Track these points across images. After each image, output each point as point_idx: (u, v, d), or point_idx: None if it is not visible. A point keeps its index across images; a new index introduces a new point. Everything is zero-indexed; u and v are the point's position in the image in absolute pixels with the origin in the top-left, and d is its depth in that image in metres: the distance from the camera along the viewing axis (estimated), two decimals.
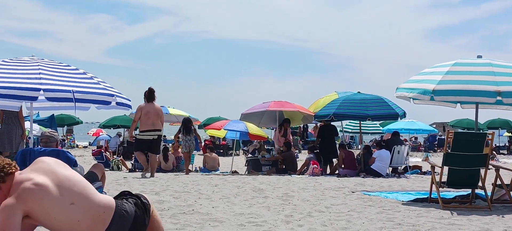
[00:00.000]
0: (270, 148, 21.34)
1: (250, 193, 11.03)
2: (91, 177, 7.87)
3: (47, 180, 3.79)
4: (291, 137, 18.98)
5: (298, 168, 17.04)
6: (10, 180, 3.81)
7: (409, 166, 18.42)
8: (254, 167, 17.30)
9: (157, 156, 15.98)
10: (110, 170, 17.48)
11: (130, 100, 8.50)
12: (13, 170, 3.84)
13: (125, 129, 34.27)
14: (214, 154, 19.89)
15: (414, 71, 11.07)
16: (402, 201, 10.02)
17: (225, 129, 18.53)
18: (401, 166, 17.52)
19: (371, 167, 15.84)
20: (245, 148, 26.05)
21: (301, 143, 34.46)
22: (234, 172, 17.67)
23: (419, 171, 18.07)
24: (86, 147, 38.21)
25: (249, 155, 19.19)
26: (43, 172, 3.84)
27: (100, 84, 8.02)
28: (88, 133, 42.35)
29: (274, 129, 19.68)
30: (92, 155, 22.66)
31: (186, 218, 7.95)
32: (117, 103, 8.08)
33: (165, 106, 21.25)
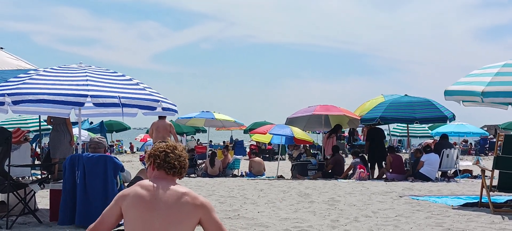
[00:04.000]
0: (316, 152, 21.19)
1: (295, 198, 10.98)
2: (138, 181, 7.96)
3: (150, 208, 3.62)
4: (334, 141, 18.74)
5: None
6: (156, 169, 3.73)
7: (459, 170, 18.01)
8: (300, 172, 17.21)
9: (204, 161, 16.57)
10: None
11: (175, 106, 8.54)
12: (161, 167, 3.72)
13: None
14: (259, 158, 19.88)
15: (464, 72, 10.82)
16: (452, 205, 9.82)
17: (270, 133, 18.48)
18: (450, 170, 17.16)
19: (420, 171, 15.56)
20: (290, 152, 25.99)
21: (347, 147, 34.14)
22: (280, 177, 17.62)
23: (469, 175, 17.66)
24: (134, 152, 38.73)
25: (294, 160, 19.08)
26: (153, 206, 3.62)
27: (145, 90, 8.09)
28: (135, 139, 42.93)
29: (321, 133, 19.51)
30: (140, 160, 22.94)
31: (232, 223, 7.96)
32: (163, 109, 8.13)
33: (211, 112, 21.35)
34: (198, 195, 3.71)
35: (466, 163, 24.90)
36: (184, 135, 36.43)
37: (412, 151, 18.54)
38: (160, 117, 14.86)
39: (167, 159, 3.71)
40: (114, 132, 40.96)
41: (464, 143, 38.42)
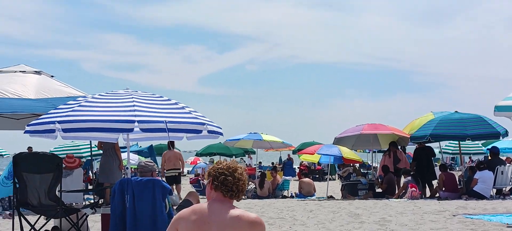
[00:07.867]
0: (365, 171, 20.93)
1: (346, 218, 10.84)
2: (186, 205, 8.00)
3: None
4: (404, 159, 18.26)
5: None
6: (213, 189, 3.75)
7: None
8: (350, 192, 17.02)
9: (254, 181, 17.61)
10: None
11: (221, 128, 8.57)
12: (220, 189, 3.73)
13: (220, 156, 34.71)
14: (309, 179, 19.74)
15: None
16: (507, 224, 9.52)
17: (318, 153, 18.35)
18: (506, 187, 16.67)
19: (474, 189, 15.17)
20: (340, 172, 25.76)
21: None
22: (330, 197, 17.45)
23: None
24: (184, 175, 39.07)
25: (344, 180, 18.86)
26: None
27: (191, 113, 8.15)
28: (185, 162, 43.32)
29: (371, 152, 19.26)
30: (190, 183, 23.09)
31: None
32: (208, 132, 8.17)
33: (259, 133, 21.36)
34: (251, 213, 3.69)
35: None
36: (233, 157, 36.53)
37: (465, 168, 18.11)
38: (169, 147, 17.14)
39: (225, 182, 3.71)
40: None
41: None
